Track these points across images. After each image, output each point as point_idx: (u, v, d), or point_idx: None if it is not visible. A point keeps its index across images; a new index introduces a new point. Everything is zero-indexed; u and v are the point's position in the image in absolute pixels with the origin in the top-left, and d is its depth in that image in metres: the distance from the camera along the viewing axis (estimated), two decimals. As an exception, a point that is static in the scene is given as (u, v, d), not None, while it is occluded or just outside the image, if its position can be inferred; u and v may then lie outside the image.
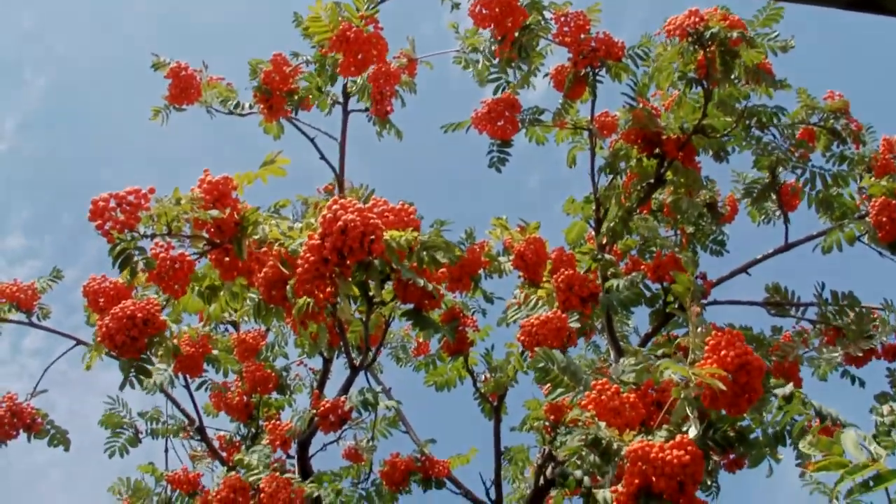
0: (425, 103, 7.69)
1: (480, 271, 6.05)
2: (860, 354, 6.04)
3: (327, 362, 7.38)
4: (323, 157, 6.89)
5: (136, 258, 4.19)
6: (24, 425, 6.17)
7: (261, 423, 7.32)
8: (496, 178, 6.36)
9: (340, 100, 7.11)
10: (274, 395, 7.36)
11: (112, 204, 4.15)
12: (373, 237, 3.98)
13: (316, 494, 5.67)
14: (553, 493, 7.27)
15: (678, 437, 3.57)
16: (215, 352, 6.68)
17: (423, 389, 7.72)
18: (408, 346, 8.85)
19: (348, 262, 4.05)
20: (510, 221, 6.11)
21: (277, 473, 5.60)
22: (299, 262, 4.10)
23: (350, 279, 4.21)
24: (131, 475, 7.04)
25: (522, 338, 5.34)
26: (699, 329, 4.03)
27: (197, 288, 4.91)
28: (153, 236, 4.30)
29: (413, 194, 4.76)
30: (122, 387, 5.02)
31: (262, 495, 5.47)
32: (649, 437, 3.65)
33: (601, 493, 3.80)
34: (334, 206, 4.00)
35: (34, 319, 6.61)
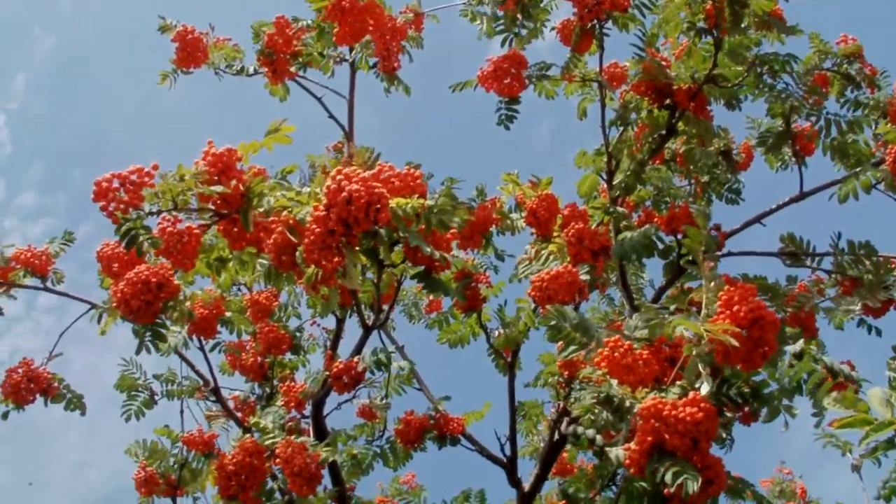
0: (433, 58, 7.66)
1: (492, 228, 6.03)
2: (878, 305, 5.97)
3: (340, 322, 7.38)
4: (331, 116, 6.88)
5: (141, 238, 4.17)
6: (40, 390, 6.23)
7: (275, 383, 7.33)
8: (504, 131, 6.29)
9: (347, 57, 7.07)
10: (288, 355, 7.37)
11: (115, 184, 4.12)
12: (378, 207, 3.94)
13: (332, 459, 5.67)
14: (567, 447, 7.29)
15: (691, 394, 3.55)
16: (229, 313, 6.68)
17: (436, 346, 7.74)
18: (420, 303, 8.84)
19: (354, 232, 4.02)
20: (521, 176, 6.07)
21: (293, 437, 5.60)
22: (306, 233, 4.07)
23: (357, 248, 4.19)
24: (148, 434, 7.08)
25: (533, 293, 5.31)
26: (712, 283, 4.00)
27: (206, 260, 4.90)
28: (159, 212, 4.28)
29: (421, 150, 4.74)
30: (137, 352, 5.04)
31: (277, 460, 5.48)
32: (662, 395, 3.63)
33: (614, 452, 3.79)
34: (338, 177, 3.95)
35: (48, 284, 6.61)
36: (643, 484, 3.77)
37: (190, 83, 7.14)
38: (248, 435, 5.84)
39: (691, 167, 6.79)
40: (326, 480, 6.59)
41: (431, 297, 8.50)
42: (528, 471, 7.13)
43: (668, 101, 6.32)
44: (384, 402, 7.16)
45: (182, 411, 7.46)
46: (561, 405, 6.43)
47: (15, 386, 6.13)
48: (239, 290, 7.64)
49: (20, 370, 6.20)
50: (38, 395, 6.27)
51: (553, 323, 4.21)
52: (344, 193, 3.89)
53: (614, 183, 6.44)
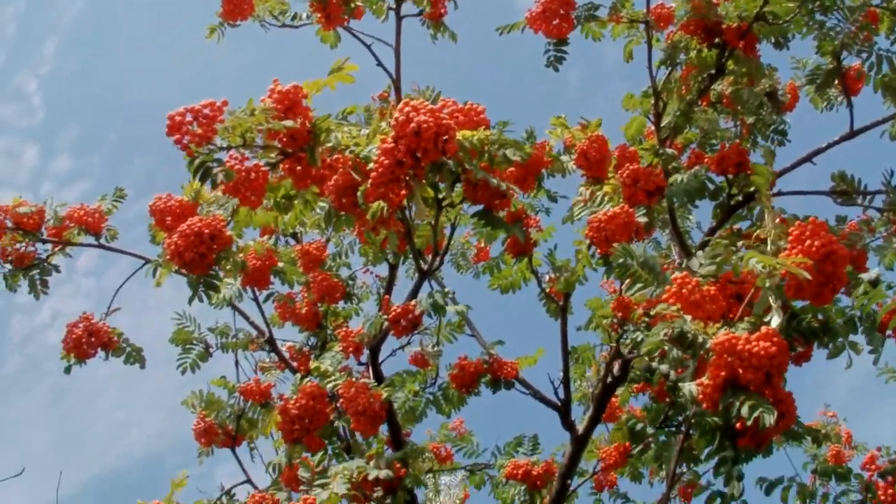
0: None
1: (543, 171, 6.02)
2: (930, 244, 5.94)
3: (393, 269, 7.40)
4: (380, 64, 6.86)
5: (215, 170, 4.19)
6: (101, 344, 6.28)
7: (329, 332, 7.36)
8: (535, 80, 6.29)
9: (393, 5, 7.05)
10: (341, 304, 7.39)
11: (188, 118, 4.15)
12: (446, 137, 3.95)
13: (393, 398, 5.72)
14: (619, 390, 7.30)
15: (763, 329, 3.55)
16: (281, 264, 6.70)
17: (485, 295, 7.75)
18: (468, 252, 8.86)
19: (422, 163, 4.03)
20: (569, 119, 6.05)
21: (354, 379, 5.66)
22: (373, 166, 4.08)
23: (423, 181, 4.20)
24: (186, 392, 7.11)
25: (590, 234, 5.30)
26: (777, 219, 3.99)
27: (273, 198, 4.92)
28: (228, 148, 4.30)
29: (459, 98, 4.72)
30: (190, 301, 5.08)
31: (340, 401, 5.53)
32: (732, 330, 3.63)
33: (687, 387, 3.80)
34: (406, 109, 3.96)
35: (102, 241, 6.66)
36: (715, 419, 3.78)
37: (229, 41, 7.13)
38: (308, 379, 5.88)
39: (738, 108, 6.75)
40: (383, 426, 6.64)
41: (482, 244, 8.51)
42: (578, 416, 7.18)
43: (716, 40, 6.28)
44: (436, 349, 7.19)
45: (237, 363, 7.53)
46: (614, 347, 6.44)
47: (76, 341, 6.19)
48: (287, 242, 7.68)
49: (81, 325, 6.26)
50: (98, 350, 6.33)
51: (621, 261, 4.22)
52: (412, 125, 3.90)
53: (662, 125, 6.41)
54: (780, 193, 6.56)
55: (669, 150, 6.10)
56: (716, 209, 6.37)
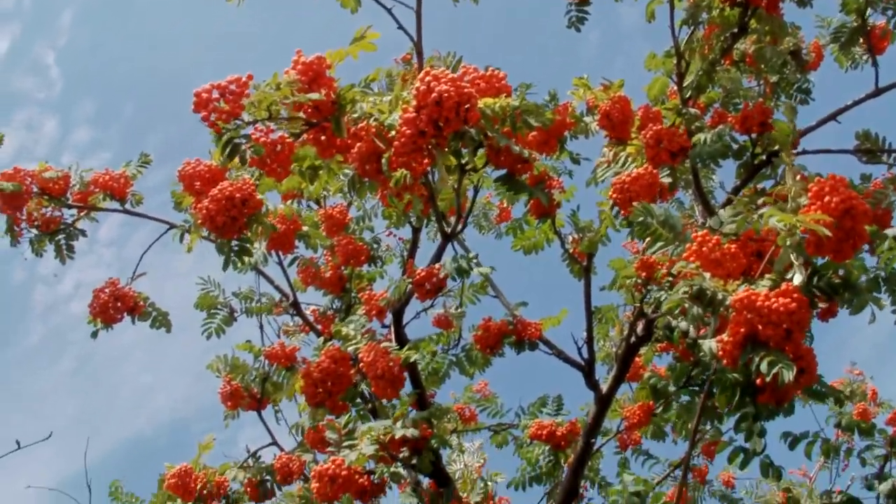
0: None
1: (566, 133, 6.03)
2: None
3: (416, 232, 7.42)
4: (401, 27, 6.85)
5: (243, 146, 4.23)
6: (127, 309, 6.33)
7: (353, 295, 7.40)
8: (554, 42, 6.29)
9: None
10: (365, 267, 7.43)
11: (215, 95, 4.19)
12: (468, 106, 3.98)
13: (413, 359, 5.76)
14: (643, 350, 7.33)
15: (784, 285, 3.58)
16: (305, 228, 6.72)
17: (507, 256, 7.77)
18: (490, 213, 8.86)
19: (445, 132, 4.06)
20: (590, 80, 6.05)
21: (376, 343, 5.70)
22: (396, 136, 4.12)
23: (446, 150, 4.23)
24: (209, 358, 7.18)
25: (614, 195, 5.33)
26: (798, 176, 4.00)
27: (299, 168, 4.96)
28: (253, 122, 4.34)
29: (471, 59, 4.73)
30: (224, 267, 5.14)
31: (361, 364, 5.58)
32: (753, 287, 3.66)
33: (706, 344, 3.83)
34: (427, 78, 3.99)
35: (128, 206, 6.70)
36: (735, 375, 3.82)
37: (232, 12, 7.10)
38: (331, 343, 5.93)
39: (761, 67, 6.73)
40: (407, 387, 6.69)
41: (504, 205, 8.52)
42: (601, 376, 7.21)
43: (739, -1, 6.26)
44: (459, 310, 7.23)
45: (262, 327, 7.59)
46: (637, 307, 6.46)
47: (103, 305, 6.24)
48: (310, 206, 7.71)
49: (107, 290, 6.31)
50: (125, 314, 6.39)
51: (641, 220, 4.24)
52: (434, 94, 3.92)
53: (685, 84, 6.40)
54: (804, 152, 6.56)
55: (692, 110, 6.09)
56: (739, 168, 6.36)
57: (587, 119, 6.18)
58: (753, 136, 5.93)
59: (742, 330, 3.61)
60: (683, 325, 4.28)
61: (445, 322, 7.31)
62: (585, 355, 6.88)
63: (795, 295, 3.52)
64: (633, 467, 8.27)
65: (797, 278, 3.67)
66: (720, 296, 3.75)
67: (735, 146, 5.87)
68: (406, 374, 5.81)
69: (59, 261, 6.71)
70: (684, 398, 6.97)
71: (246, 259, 5.26)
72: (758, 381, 3.60)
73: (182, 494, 6.26)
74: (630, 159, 5.65)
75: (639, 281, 6.28)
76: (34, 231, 6.64)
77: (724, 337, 3.68)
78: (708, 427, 6.76)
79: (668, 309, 4.04)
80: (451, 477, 6.90)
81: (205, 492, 6.32)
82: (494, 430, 8.53)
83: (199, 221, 4.93)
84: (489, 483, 7.37)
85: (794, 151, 6.20)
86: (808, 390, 4.08)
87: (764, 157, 6.05)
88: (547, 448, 7.43)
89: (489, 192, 8.42)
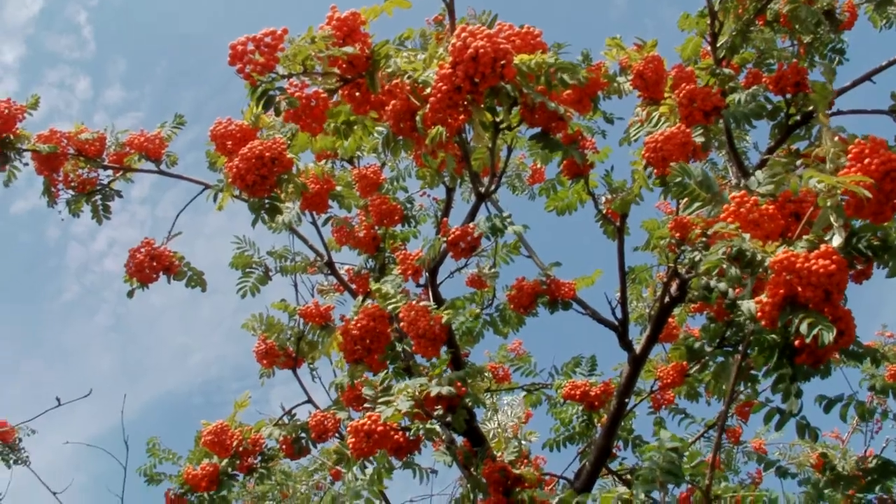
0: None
1: (599, 93, 6.01)
2: None
3: (450, 192, 7.43)
4: (434, -15, 6.85)
5: (278, 98, 4.25)
6: (163, 268, 6.34)
7: (387, 255, 7.42)
8: (583, 4, 6.25)
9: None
10: (399, 227, 7.43)
11: (250, 47, 4.20)
12: (503, 62, 3.97)
13: (453, 320, 5.79)
14: (676, 310, 7.33)
15: (823, 247, 3.56)
16: (338, 188, 6.73)
17: (540, 217, 7.77)
18: (523, 174, 8.84)
19: (480, 88, 4.06)
20: (623, 40, 6.02)
21: (415, 301, 5.72)
22: (431, 91, 4.12)
23: (482, 106, 4.23)
24: (243, 318, 7.22)
25: (647, 154, 5.30)
26: (836, 137, 3.98)
27: (333, 124, 4.97)
28: (288, 76, 4.35)
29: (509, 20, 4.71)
30: (253, 224, 5.19)
31: (401, 323, 5.61)
32: (791, 248, 3.65)
33: (745, 304, 3.83)
34: (463, 34, 3.99)
35: (163, 167, 6.74)
36: (773, 336, 3.81)
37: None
38: (369, 301, 5.96)
39: (795, 27, 6.67)
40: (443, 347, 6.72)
41: (537, 165, 8.50)
42: (635, 336, 7.21)
43: (774, -43, 6.21)
44: (493, 270, 7.24)
45: (296, 286, 7.64)
46: (671, 268, 6.46)
47: (139, 265, 6.26)
48: (343, 166, 7.72)
49: (143, 250, 6.32)
50: (160, 273, 6.42)
51: (678, 180, 4.22)
52: (470, 50, 3.92)
53: (718, 45, 6.36)
54: (838, 113, 6.51)
55: (726, 70, 6.04)
56: (773, 129, 6.33)
57: (620, 79, 6.15)
58: (788, 96, 5.90)
59: (781, 291, 3.60)
60: (722, 286, 4.27)
61: (479, 282, 7.34)
62: (619, 315, 6.88)
63: (835, 257, 3.51)
64: (668, 427, 8.30)
65: (836, 240, 3.65)
66: (759, 257, 3.74)
67: (769, 106, 5.83)
68: (446, 336, 5.82)
69: (95, 221, 6.77)
70: (718, 359, 6.97)
71: (277, 217, 5.30)
72: (796, 342, 3.60)
73: (218, 451, 6.34)
74: (663, 119, 5.62)
75: (673, 241, 6.28)
76: (71, 192, 6.70)
77: (763, 298, 3.67)
78: (742, 388, 6.75)
79: (706, 269, 4.04)
80: (486, 436, 6.93)
81: (241, 448, 6.41)
82: (528, 390, 8.56)
83: (230, 180, 4.97)
84: (523, 442, 7.40)
85: (829, 112, 6.15)
86: (846, 351, 4.07)
87: (798, 118, 6.01)
88: (580, 408, 7.45)
89: (522, 152, 8.41)
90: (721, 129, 5.98)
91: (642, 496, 4.25)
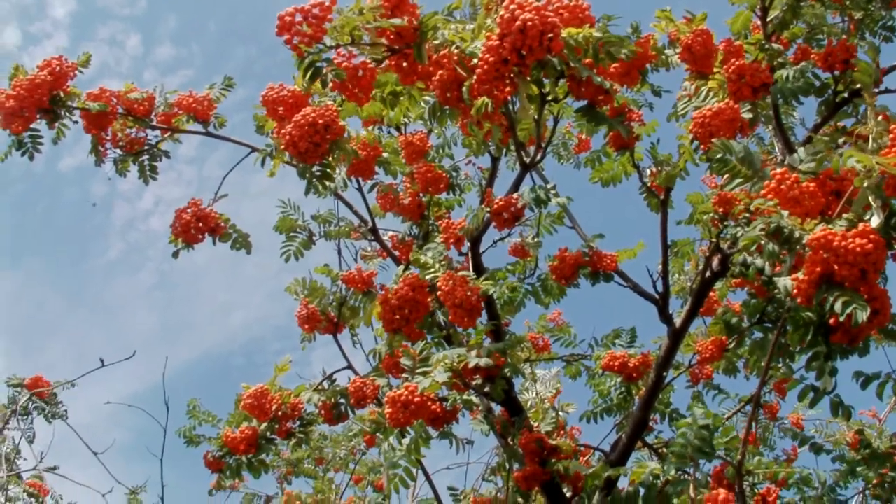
0: None
1: (647, 65, 6.01)
2: None
3: (495, 161, 7.45)
4: (483, -44, 6.85)
5: (325, 69, 4.30)
6: (209, 229, 6.39)
7: (431, 222, 7.45)
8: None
9: None
10: (444, 195, 7.45)
11: (298, 18, 4.25)
12: (551, 36, 3.99)
13: (491, 292, 5.82)
14: (718, 285, 7.33)
15: (861, 226, 3.58)
16: (385, 154, 6.76)
17: (584, 187, 7.77)
18: (569, 143, 8.83)
19: (527, 61, 4.09)
20: (673, 13, 6.01)
21: (454, 272, 5.75)
22: (479, 63, 4.15)
23: (528, 78, 4.26)
24: (285, 281, 7.28)
25: (694, 129, 5.31)
26: (880, 117, 3.98)
27: (379, 94, 5.01)
28: (336, 47, 4.40)
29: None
30: (306, 192, 5.25)
31: (439, 293, 5.65)
32: (830, 226, 3.66)
33: (782, 282, 3.85)
34: (511, 6, 4.01)
35: (211, 129, 6.78)
36: (809, 314, 3.83)
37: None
38: (409, 270, 6.00)
39: (846, 3, 6.63)
40: (482, 317, 6.76)
41: (583, 136, 8.50)
42: (675, 310, 7.22)
43: (827, -69, 6.17)
44: (536, 240, 7.26)
45: (339, 251, 7.69)
46: (714, 242, 6.45)
47: (185, 225, 6.30)
48: (390, 132, 7.75)
49: (189, 210, 6.37)
50: (206, 235, 6.47)
51: (719, 156, 4.24)
52: (518, 22, 3.95)
53: (768, 19, 6.33)
54: (886, 91, 6.47)
55: (776, 46, 6.02)
56: (821, 106, 6.29)
57: (668, 52, 6.15)
58: (836, 73, 5.86)
59: (818, 269, 3.63)
60: (759, 262, 4.30)
61: (522, 251, 7.36)
62: (660, 289, 6.88)
63: (872, 236, 3.53)
64: (706, 401, 8.32)
65: (875, 220, 3.66)
66: (797, 234, 3.76)
67: (817, 83, 5.81)
68: (483, 307, 5.86)
69: (142, 181, 6.84)
70: (757, 335, 6.97)
71: (327, 184, 5.34)
72: (831, 320, 3.63)
73: (258, 414, 6.40)
74: (711, 94, 5.62)
75: (716, 216, 6.27)
76: (118, 151, 6.75)
77: (800, 275, 3.69)
78: (780, 365, 6.76)
79: (745, 245, 4.05)
80: (524, 406, 6.98)
81: (280, 413, 6.45)
82: (567, 361, 8.60)
83: (282, 146, 5.03)
84: (560, 413, 7.44)
85: (876, 90, 6.11)
86: (884, 330, 4.08)
87: (846, 95, 5.98)
88: (619, 380, 7.48)
89: (569, 121, 8.40)
90: (768, 104, 5.97)
91: (673, 472, 4.30)
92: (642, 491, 4.61)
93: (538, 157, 5.89)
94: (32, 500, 11.44)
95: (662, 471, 4.41)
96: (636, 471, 4.55)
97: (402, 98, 5.04)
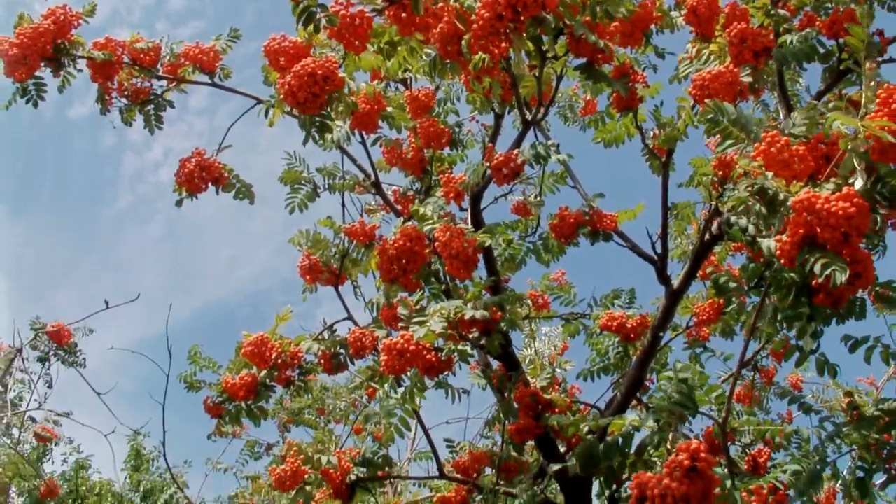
0: None
1: (652, 26, 6.02)
2: None
3: (498, 118, 7.47)
4: None
5: (318, 15, 4.34)
6: (212, 179, 6.43)
7: (434, 177, 7.48)
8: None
9: None
10: (447, 150, 7.48)
11: (297, -36, 4.29)
12: (546, -9, 4.04)
13: (488, 244, 5.87)
14: (717, 248, 7.36)
15: (844, 189, 3.62)
16: (389, 109, 6.78)
17: (589, 149, 7.79)
18: (575, 105, 8.83)
19: (522, 17, 4.12)
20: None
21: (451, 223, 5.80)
22: (475, 18, 4.19)
23: (524, 34, 4.29)
24: (289, 234, 7.33)
25: (694, 91, 5.33)
26: (873, 83, 4.00)
27: (377, 44, 5.05)
28: (333, -7, 4.44)
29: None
30: (304, 142, 5.29)
31: (436, 244, 5.70)
32: (816, 190, 3.70)
33: (765, 242, 3.91)
34: (507, -37, 4.05)
35: (216, 80, 6.82)
36: (792, 275, 3.88)
37: None
38: (408, 222, 6.05)
39: (856, -31, 6.62)
40: (482, 272, 6.81)
41: (588, 97, 8.50)
42: (676, 272, 7.26)
43: None
44: (538, 199, 7.30)
45: (343, 204, 7.74)
46: (713, 205, 6.48)
47: (189, 175, 6.35)
48: (397, 88, 7.77)
49: (193, 160, 6.40)
50: (209, 184, 6.51)
51: (711, 116, 4.28)
52: (513, -22, 3.98)
53: (776, -17, 6.33)
54: (891, 60, 6.47)
55: (782, 11, 6.03)
56: (825, 73, 6.31)
57: (674, 13, 6.16)
58: (840, 41, 5.87)
59: (801, 231, 3.67)
60: (743, 221, 4.33)
61: (524, 209, 7.40)
62: (658, 250, 6.91)
63: (855, 199, 3.56)
64: (704, 363, 8.36)
65: (858, 183, 3.70)
66: (782, 196, 3.80)
67: (822, 50, 5.81)
68: (480, 258, 5.91)
69: (147, 130, 6.89)
70: (755, 299, 7.00)
71: (327, 135, 5.39)
72: (813, 282, 3.68)
73: (258, 362, 6.49)
74: (713, 57, 5.64)
75: (716, 179, 6.30)
76: (124, 100, 6.80)
77: (783, 237, 3.74)
78: (783, 331, 6.79)
79: (733, 206, 4.10)
80: (521, 362, 7.05)
81: (279, 361, 6.53)
82: (566, 319, 8.65)
83: (282, 97, 5.07)
84: (558, 371, 7.50)
85: (881, 59, 6.12)
86: (882, 297, 4.13)
87: (850, 64, 5.99)
88: (617, 339, 7.55)
89: (576, 83, 8.41)
90: (773, 70, 5.98)
91: (650, 422, 4.36)
92: (620, 441, 4.67)
93: (540, 114, 5.92)
94: (41, 443, 11.64)
95: (640, 421, 4.47)
96: (616, 422, 4.62)
97: (399, 48, 5.08)
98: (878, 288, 4.12)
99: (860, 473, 5.67)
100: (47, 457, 12.71)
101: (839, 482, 6.74)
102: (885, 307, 5.22)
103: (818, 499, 7.07)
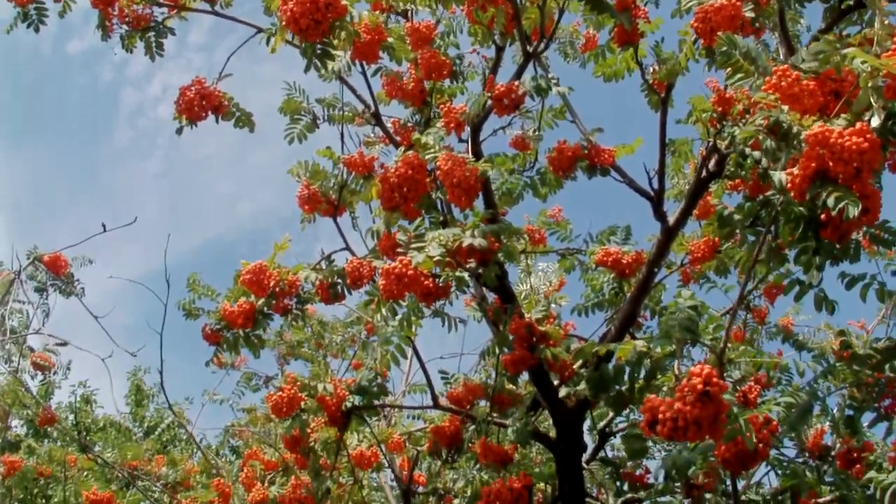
0: None
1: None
2: None
3: (500, 50, 7.42)
4: None
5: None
6: (212, 107, 6.42)
7: (434, 109, 7.45)
8: None
9: None
10: (447, 82, 7.45)
11: None
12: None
13: (489, 174, 5.87)
14: (713, 186, 7.37)
15: (858, 125, 3.64)
16: (390, 39, 6.75)
17: (589, 84, 7.76)
18: (575, 42, 8.78)
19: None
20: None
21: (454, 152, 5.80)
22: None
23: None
24: (300, 159, 7.31)
25: (696, 24, 5.33)
26: (886, 21, 4.01)
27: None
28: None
29: None
30: (306, 70, 5.27)
31: (438, 172, 5.70)
32: (828, 124, 3.72)
33: (777, 175, 3.92)
34: None
35: (217, 8, 6.77)
36: (801, 208, 3.91)
37: None
38: (409, 151, 6.04)
39: None
40: (480, 205, 6.81)
41: (590, 32, 8.45)
42: (670, 210, 7.27)
43: None
44: (537, 133, 7.29)
45: (342, 136, 7.70)
46: (711, 142, 6.48)
47: (189, 103, 6.34)
48: (398, 20, 7.72)
49: (193, 88, 6.39)
50: (209, 112, 6.50)
51: (723, 49, 4.28)
52: None
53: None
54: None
55: (785, -52, 6.01)
56: (826, 12, 6.28)
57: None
58: (843, -22, 5.86)
59: (813, 164, 3.70)
60: (756, 154, 4.35)
61: (522, 144, 7.39)
62: (655, 186, 6.91)
63: (869, 135, 3.59)
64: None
65: (875, 120, 3.71)
66: (795, 129, 3.82)
67: (824, -12, 5.81)
68: (480, 187, 5.91)
69: (148, 58, 6.85)
70: (751, 238, 7.03)
71: (328, 63, 5.37)
72: (822, 215, 3.71)
73: (256, 290, 6.51)
74: (717, -10, 5.62)
75: (714, 115, 6.30)
76: (125, 27, 6.76)
77: (795, 170, 3.76)
78: (779, 271, 6.83)
79: (743, 139, 4.11)
80: (517, 295, 7.08)
81: (277, 289, 6.56)
82: (562, 255, 8.66)
83: (284, 23, 5.05)
84: (553, 305, 7.54)
85: (889, -3, 6.11)
86: (876, 237, 4.16)
87: (852, 3, 5.98)
88: (612, 276, 7.58)
89: (578, 19, 8.36)
90: (774, 9, 5.97)
91: (658, 349, 4.40)
92: (628, 369, 4.73)
93: (541, 46, 5.91)
94: (39, 372, 11.69)
95: (649, 348, 4.52)
96: (623, 347, 4.65)
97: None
98: (872, 229, 4.17)
99: (849, 411, 5.75)
100: (52, 394, 12.89)
101: (828, 420, 6.82)
102: (878, 249, 5.28)
103: (807, 438, 7.17)
